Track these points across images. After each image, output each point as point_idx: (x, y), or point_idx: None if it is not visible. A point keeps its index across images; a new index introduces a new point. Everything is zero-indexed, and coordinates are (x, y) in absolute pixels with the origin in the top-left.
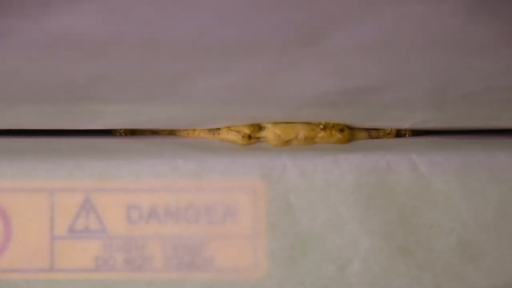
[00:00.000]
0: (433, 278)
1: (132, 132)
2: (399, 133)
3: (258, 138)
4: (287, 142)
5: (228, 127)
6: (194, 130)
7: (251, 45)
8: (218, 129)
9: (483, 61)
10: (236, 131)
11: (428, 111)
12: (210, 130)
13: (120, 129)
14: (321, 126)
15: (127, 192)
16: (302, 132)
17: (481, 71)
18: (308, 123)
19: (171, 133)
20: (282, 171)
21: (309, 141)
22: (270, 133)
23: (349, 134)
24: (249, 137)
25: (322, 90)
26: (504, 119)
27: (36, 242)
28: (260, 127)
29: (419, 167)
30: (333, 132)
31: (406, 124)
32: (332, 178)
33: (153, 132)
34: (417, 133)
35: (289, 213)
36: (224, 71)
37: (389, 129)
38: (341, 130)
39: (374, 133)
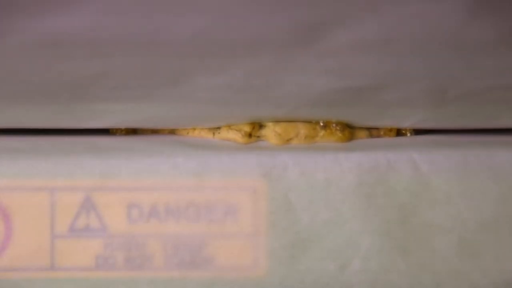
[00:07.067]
0: (433, 276)
1: (133, 131)
2: (399, 132)
3: (258, 136)
4: (288, 141)
5: (229, 126)
6: (194, 129)
7: (251, 44)
8: (218, 128)
9: (483, 60)
10: (237, 130)
11: (429, 110)
12: (210, 129)
13: (121, 128)
14: (322, 125)
15: (128, 191)
16: (303, 131)
17: (481, 70)
18: (309, 122)
19: (171, 132)
20: (283, 170)
21: (310, 140)
22: (270, 131)
23: (350, 133)
24: (250, 135)
25: (323, 89)
26: (505, 119)
27: (37, 241)
28: (260, 126)
29: (419, 166)
30: (334, 131)
31: (407, 123)
32: (332, 176)
33: (154, 131)
34: (417, 132)
35: (290, 211)
36: (224, 70)
37: (390, 128)
38: (342, 129)
39: (374, 132)
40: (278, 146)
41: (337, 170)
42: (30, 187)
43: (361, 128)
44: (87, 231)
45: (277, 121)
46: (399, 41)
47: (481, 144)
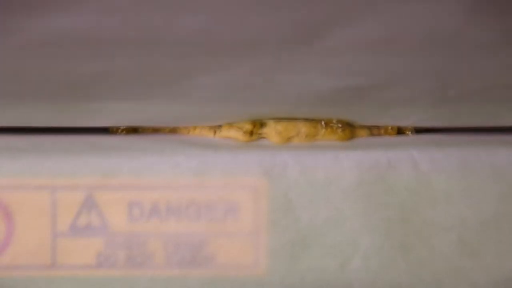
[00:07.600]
0: (434, 275)
1: (133, 130)
2: (400, 131)
3: (259, 134)
4: (289, 140)
5: (229, 124)
6: (195, 127)
7: (252, 43)
8: (219, 126)
9: (483, 60)
10: (238, 128)
11: (429, 109)
12: (211, 127)
13: (122, 127)
14: (322, 124)
15: (129, 190)
16: (304, 129)
17: (481, 70)
18: (310, 121)
19: (172, 131)
20: (283, 169)
21: (311, 138)
22: (271, 130)
23: (350, 132)
24: (251, 133)
25: (323, 88)
26: (505, 118)
27: (38, 239)
28: (261, 124)
29: (419, 165)
30: (335, 129)
31: (407, 122)
32: (333, 175)
33: (154, 130)
34: (418, 131)
35: (290, 210)
36: (225, 68)
37: (391, 127)
38: (343, 128)
39: (375, 130)
40: (278, 144)
41: (338, 168)
42: (31, 186)
43: (362, 126)
44: (88, 230)
45: (278, 119)
46: (399, 40)
47: (482, 143)
